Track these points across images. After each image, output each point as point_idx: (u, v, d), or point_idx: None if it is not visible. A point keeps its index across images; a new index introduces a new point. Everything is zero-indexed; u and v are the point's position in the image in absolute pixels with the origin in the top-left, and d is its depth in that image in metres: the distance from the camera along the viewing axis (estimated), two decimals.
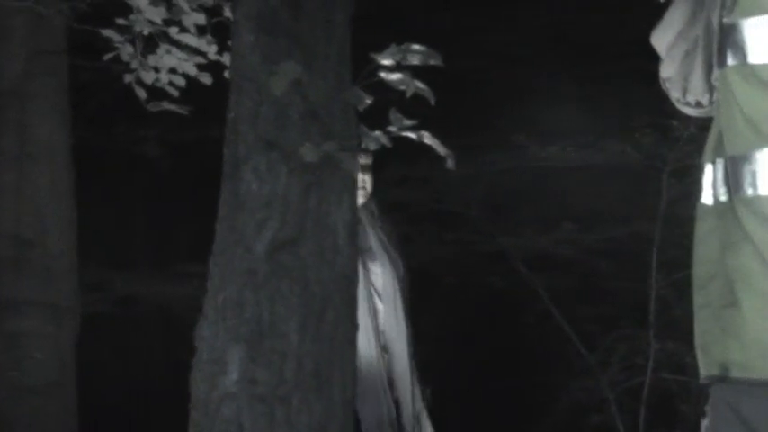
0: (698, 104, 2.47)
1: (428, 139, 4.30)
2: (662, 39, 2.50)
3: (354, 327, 4.34)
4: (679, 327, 8.67)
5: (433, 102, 4.30)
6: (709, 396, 2.26)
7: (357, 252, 4.28)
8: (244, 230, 4.30)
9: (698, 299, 2.32)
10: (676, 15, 2.45)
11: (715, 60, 2.35)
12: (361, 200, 4.72)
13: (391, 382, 4.57)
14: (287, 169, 4.25)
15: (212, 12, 5.62)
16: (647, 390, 9.24)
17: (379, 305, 4.67)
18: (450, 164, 4.33)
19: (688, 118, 7.42)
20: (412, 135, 4.32)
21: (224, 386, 4.26)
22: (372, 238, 4.77)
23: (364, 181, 4.79)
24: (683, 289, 8.47)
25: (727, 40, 2.28)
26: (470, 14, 9.31)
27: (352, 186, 4.33)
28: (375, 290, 4.67)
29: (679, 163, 8.67)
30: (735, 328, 2.19)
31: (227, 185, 4.36)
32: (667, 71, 2.51)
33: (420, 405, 4.68)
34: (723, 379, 2.21)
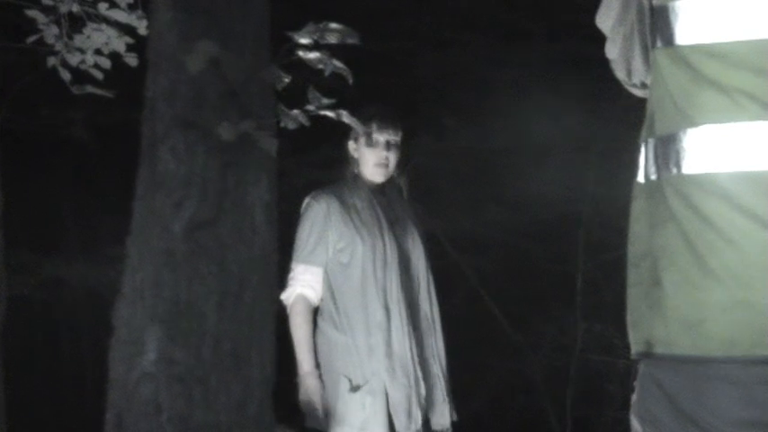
0: (643, 85, 2.49)
1: (346, 117, 4.28)
2: (605, 21, 2.51)
3: (272, 306, 4.33)
4: (606, 308, 8.74)
5: (351, 81, 4.29)
6: (637, 372, 2.29)
7: (275, 231, 4.25)
8: (161, 210, 4.28)
9: (630, 277, 2.34)
10: None
11: (648, 42, 2.37)
12: (380, 178, 4.52)
13: (423, 361, 4.45)
14: (204, 148, 4.23)
15: None
16: (573, 370, 9.31)
17: (409, 280, 4.52)
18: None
19: (615, 100, 7.47)
20: (330, 114, 4.30)
21: (142, 366, 4.24)
22: (399, 212, 4.61)
23: (387, 158, 4.49)
24: (609, 270, 8.54)
25: (656, 22, 2.30)
26: None
27: (271, 165, 4.31)
28: (406, 265, 4.52)
29: (606, 144, 8.73)
30: (658, 305, 2.22)
31: (144, 165, 4.34)
32: (611, 53, 2.52)
33: (449, 386, 4.56)
34: (648, 355, 2.24)
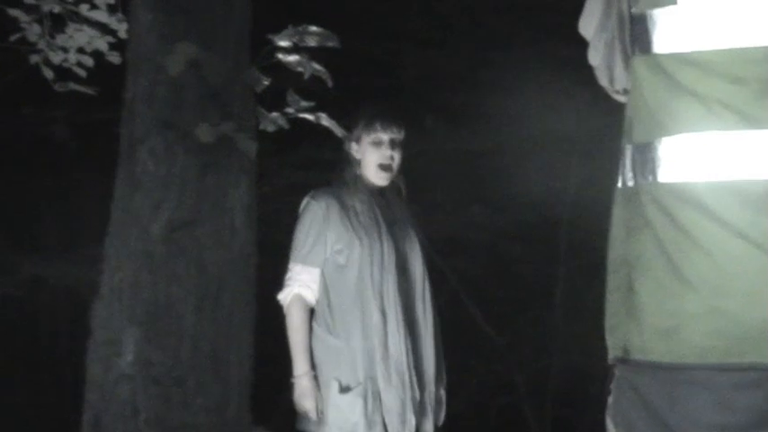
0: (626, 92, 2.49)
1: (325, 120, 4.27)
2: (587, 28, 2.52)
3: (251, 308, 4.31)
4: (587, 310, 8.74)
5: (330, 83, 4.28)
6: (614, 375, 2.30)
7: (255, 234, 4.24)
8: (140, 211, 4.27)
9: (609, 282, 2.34)
10: (594, 5, 2.47)
11: (628, 50, 2.38)
12: (383, 181, 4.41)
13: (417, 364, 4.37)
14: (184, 150, 4.23)
15: None
16: (554, 372, 9.32)
17: (406, 284, 4.43)
18: (347, 145, 4.30)
19: (595, 103, 7.49)
20: (309, 117, 4.29)
21: (119, 368, 4.24)
22: (398, 214, 4.51)
23: (392, 158, 4.34)
24: (590, 272, 8.56)
25: (635, 30, 2.31)
26: None
27: (250, 167, 4.30)
28: (403, 268, 4.43)
29: (588, 146, 8.73)
30: (634, 312, 2.22)
31: (123, 166, 4.34)
32: (594, 60, 2.52)
33: (442, 393, 4.47)
34: (625, 361, 2.25)
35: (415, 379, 4.23)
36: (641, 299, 2.23)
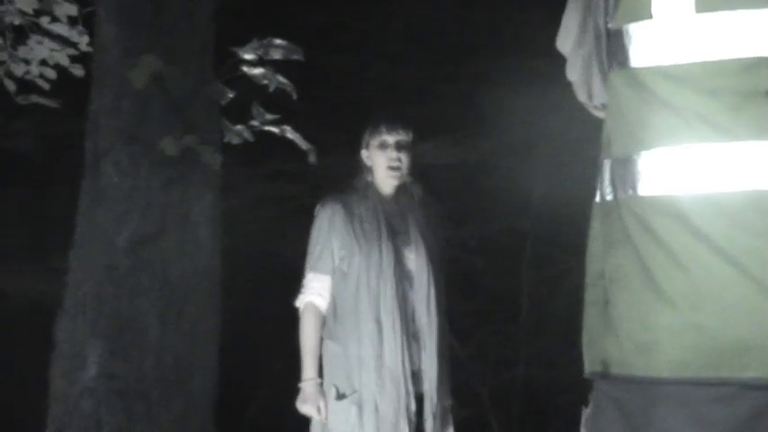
0: (605, 107, 2.50)
1: (290, 133, 4.28)
2: (564, 44, 2.52)
3: (216, 321, 4.31)
4: (551, 322, 8.77)
5: (295, 96, 4.29)
6: (592, 387, 2.29)
7: (219, 246, 4.24)
8: (104, 224, 4.27)
9: (588, 296, 2.34)
10: (571, 21, 2.47)
11: (605, 65, 2.38)
12: (394, 181, 4.37)
13: (416, 374, 4.31)
14: (148, 163, 4.23)
15: (84, 2, 5.52)
16: (519, 384, 9.33)
17: (410, 292, 4.38)
18: (311, 158, 4.29)
19: (559, 114, 7.49)
20: (274, 129, 4.30)
21: (83, 381, 4.22)
22: (410, 221, 4.45)
23: (400, 160, 4.28)
24: (555, 284, 8.58)
25: (611, 45, 2.31)
26: (344, 11, 9.30)
27: (215, 180, 4.30)
28: (407, 276, 4.38)
29: (552, 159, 8.75)
30: (612, 326, 2.22)
31: (87, 179, 4.33)
32: (572, 75, 2.52)
33: (447, 403, 4.40)
34: (604, 375, 2.25)
35: (411, 389, 4.20)
36: (619, 313, 2.23)
